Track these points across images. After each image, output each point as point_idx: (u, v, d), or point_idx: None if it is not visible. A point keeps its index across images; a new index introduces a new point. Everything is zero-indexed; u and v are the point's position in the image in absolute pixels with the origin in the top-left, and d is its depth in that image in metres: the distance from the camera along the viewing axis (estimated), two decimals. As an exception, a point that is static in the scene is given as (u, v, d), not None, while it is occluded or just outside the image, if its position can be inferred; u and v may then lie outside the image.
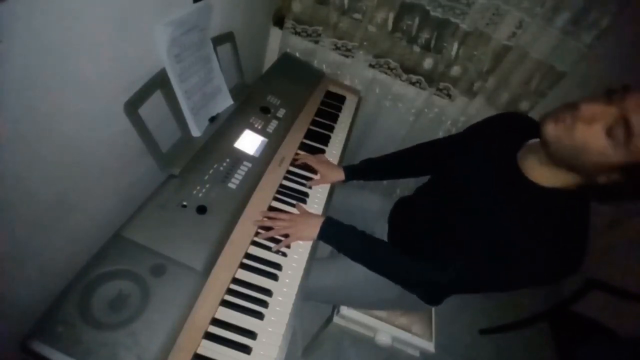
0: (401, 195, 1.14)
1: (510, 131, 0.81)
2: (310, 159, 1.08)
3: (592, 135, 0.58)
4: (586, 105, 0.60)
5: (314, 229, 0.87)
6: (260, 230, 0.87)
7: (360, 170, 1.12)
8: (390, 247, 0.89)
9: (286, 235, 0.87)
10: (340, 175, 1.11)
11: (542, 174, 0.69)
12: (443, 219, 0.83)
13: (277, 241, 0.86)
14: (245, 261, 0.81)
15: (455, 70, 1.43)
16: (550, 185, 0.68)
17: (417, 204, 1.01)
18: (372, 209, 1.13)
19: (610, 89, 0.59)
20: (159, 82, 0.78)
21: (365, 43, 1.45)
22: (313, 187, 1.04)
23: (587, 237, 0.66)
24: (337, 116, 1.29)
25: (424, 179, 1.04)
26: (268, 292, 0.78)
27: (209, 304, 0.71)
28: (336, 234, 0.88)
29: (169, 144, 0.86)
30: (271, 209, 0.93)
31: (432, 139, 1.11)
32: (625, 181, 0.58)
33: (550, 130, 0.62)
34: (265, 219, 0.88)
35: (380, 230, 1.06)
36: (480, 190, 0.76)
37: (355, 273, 0.90)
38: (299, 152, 1.12)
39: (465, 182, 0.82)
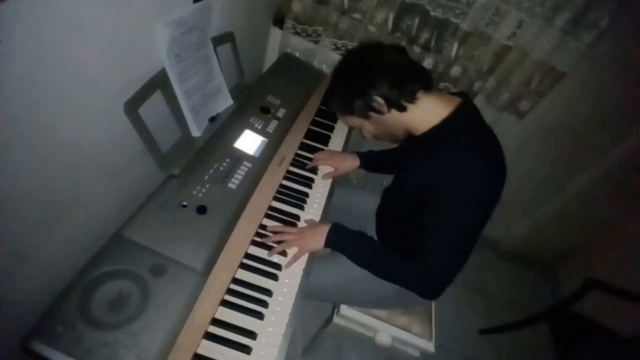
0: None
1: None
2: (321, 158, 1.09)
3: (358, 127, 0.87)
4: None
5: (321, 237, 0.86)
6: (271, 243, 0.86)
7: (373, 160, 1.15)
8: (397, 254, 0.89)
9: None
10: (355, 163, 1.12)
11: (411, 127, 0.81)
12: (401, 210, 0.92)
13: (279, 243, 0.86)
14: (245, 261, 0.81)
15: (455, 70, 1.43)
16: (422, 130, 0.78)
17: (386, 199, 1.04)
18: (372, 208, 1.13)
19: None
20: (159, 82, 0.78)
21: (365, 43, 1.45)
22: (313, 187, 1.04)
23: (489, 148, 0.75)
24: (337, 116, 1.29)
25: None
26: (268, 292, 0.78)
27: (209, 304, 0.71)
28: (343, 241, 0.87)
29: (169, 144, 0.86)
30: (271, 209, 0.93)
31: None
32: (387, 96, 0.75)
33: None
34: (272, 234, 0.87)
35: (372, 229, 1.06)
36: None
37: (354, 271, 0.90)
38: (314, 155, 1.12)
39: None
